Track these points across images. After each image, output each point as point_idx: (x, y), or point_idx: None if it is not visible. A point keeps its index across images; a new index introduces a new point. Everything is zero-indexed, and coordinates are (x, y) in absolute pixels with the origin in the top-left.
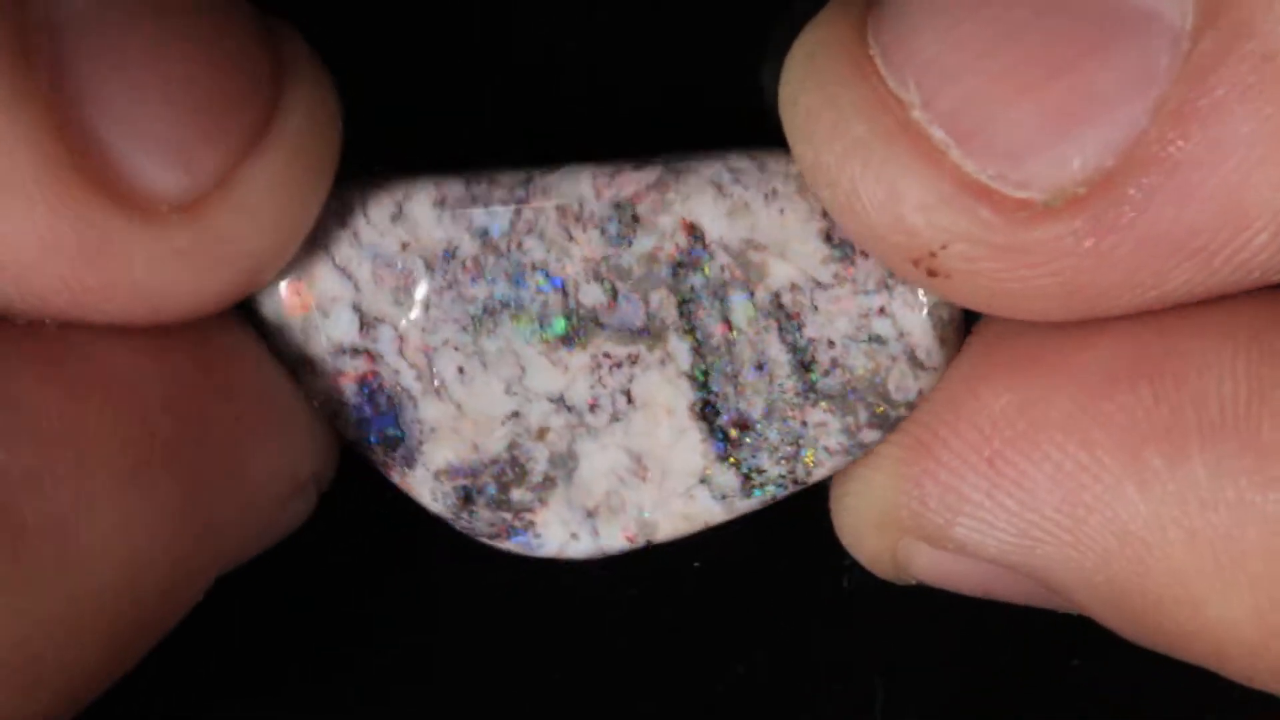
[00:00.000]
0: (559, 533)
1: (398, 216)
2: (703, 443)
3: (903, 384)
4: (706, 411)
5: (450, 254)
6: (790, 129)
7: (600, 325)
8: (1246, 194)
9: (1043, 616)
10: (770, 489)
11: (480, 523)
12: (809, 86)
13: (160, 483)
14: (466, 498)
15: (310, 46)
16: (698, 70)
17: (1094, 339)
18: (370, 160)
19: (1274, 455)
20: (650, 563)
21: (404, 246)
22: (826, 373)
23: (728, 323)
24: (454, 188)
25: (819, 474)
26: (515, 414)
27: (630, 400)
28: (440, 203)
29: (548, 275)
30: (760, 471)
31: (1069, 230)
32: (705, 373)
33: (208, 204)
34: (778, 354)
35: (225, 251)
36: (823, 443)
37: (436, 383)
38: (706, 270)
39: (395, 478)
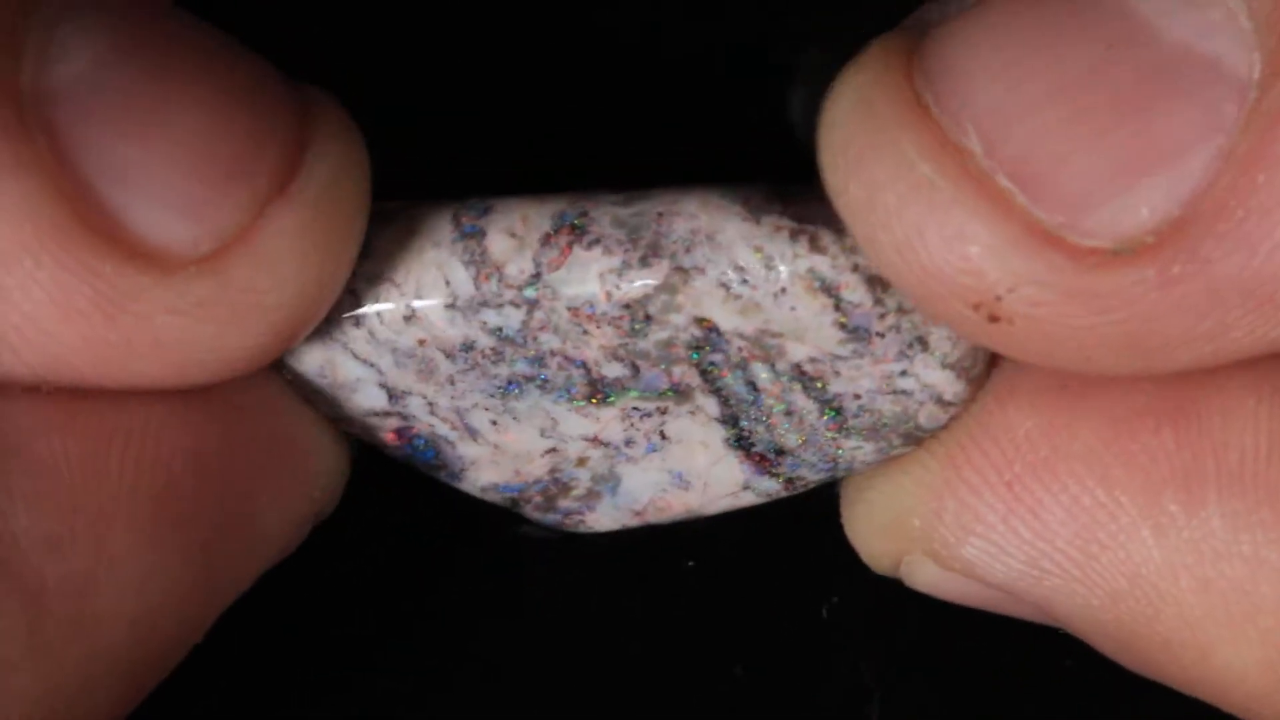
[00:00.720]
0: (610, 523)
1: (411, 319)
2: (741, 464)
3: (934, 416)
4: (742, 443)
5: (469, 347)
6: (837, 169)
7: (626, 388)
8: None
9: None
10: (813, 487)
11: (530, 526)
12: (866, 129)
13: (178, 540)
14: (514, 506)
15: (336, 98)
16: (702, 81)
17: None
18: (379, 190)
19: None
20: (650, 564)
21: (421, 343)
22: (856, 415)
23: (752, 385)
24: (463, 287)
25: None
26: (553, 450)
27: (665, 438)
28: (451, 305)
29: (568, 358)
30: (801, 480)
31: (1140, 277)
32: (735, 417)
33: (228, 254)
34: (805, 404)
35: (249, 303)
36: (860, 459)
37: (471, 432)
38: (726, 351)
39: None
